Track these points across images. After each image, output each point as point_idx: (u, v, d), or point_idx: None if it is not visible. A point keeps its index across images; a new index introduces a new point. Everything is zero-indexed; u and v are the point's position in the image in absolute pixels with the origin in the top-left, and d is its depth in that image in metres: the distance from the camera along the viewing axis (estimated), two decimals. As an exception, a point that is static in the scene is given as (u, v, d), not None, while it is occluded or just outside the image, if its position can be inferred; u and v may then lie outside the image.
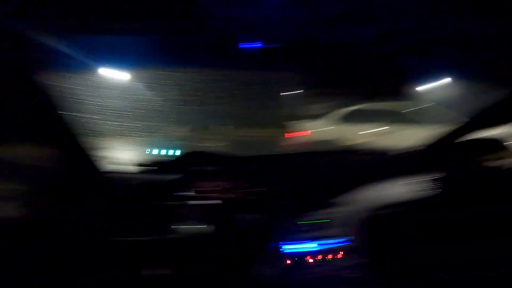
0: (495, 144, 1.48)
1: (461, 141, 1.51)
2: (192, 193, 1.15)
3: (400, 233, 1.49)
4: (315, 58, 1.02)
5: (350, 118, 6.94)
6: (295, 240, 1.22)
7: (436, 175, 1.50)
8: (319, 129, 7.03)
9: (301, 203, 1.28)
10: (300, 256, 1.22)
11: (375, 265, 1.24)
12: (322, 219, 1.26)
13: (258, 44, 0.94)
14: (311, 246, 1.22)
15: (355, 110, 7.04)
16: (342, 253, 1.24)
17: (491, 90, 1.41)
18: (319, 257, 1.22)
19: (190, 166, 1.13)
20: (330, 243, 1.24)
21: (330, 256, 1.22)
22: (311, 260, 1.21)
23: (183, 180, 1.13)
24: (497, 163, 1.52)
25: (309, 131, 7.12)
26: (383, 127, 6.45)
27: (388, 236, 1.45)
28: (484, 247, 1.34)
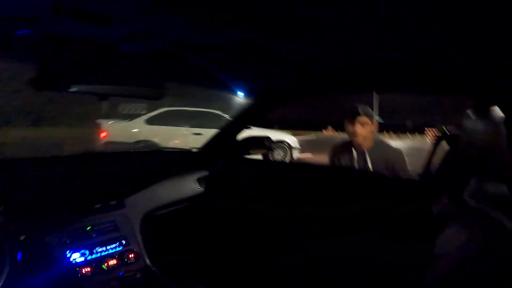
0: (262, 141, 1.79)
1: (232, 140, 1.80)
2: None
3: (182, 232, 1.60)
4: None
5: (160, 120, 7.04)
6: (65, 250, 1.06)
7: (209, 172, 1.72)
8: (126, 129, 6.65)
9: (66, 209, 1.13)
10: (70, 268, 1.06)
11: (158, 265, 1.25)
12: (89, 226, 1.15)
13: (27, 31, 0.74)
14: (78, 256, 1.09)
15: (168, 112, 7.22)
16: (120, 258, 1.18)
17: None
18: (96, 265, 1.11)
19: None
20: (105, 249, 1.15)
21: (105, 264, 1.13)
22: (84, 271, 1.07)
23: None
24: (266, 156, 1.92)
25: (109, 131, 6.57)
26: (198, 129, 7.00)
27: (170, 236, 1.51)
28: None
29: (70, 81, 0.82)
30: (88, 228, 1.14)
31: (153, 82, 1.02)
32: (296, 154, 8.07)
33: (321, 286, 1.44)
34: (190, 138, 6.94)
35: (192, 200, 1.59)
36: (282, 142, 7.79)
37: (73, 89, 0.83)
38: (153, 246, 1.29)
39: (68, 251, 1.06)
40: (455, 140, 1.12)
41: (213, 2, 0.67)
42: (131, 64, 0.98)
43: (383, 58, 1.09)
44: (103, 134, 6.48)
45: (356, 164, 1.90)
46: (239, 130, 1.79)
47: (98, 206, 1.19)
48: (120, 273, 1.15)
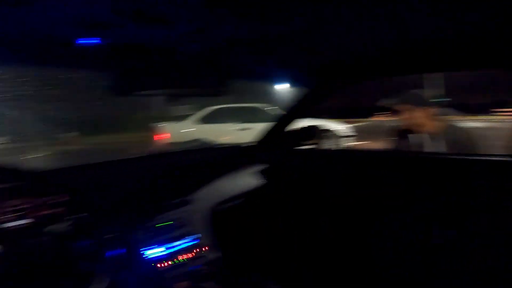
0: (314, 130, 1.78)
1: (287, 131, 1.77)
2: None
3: (244, 225, 1.64)
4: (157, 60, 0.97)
5: (209, 119, 7.34)
6: (144, 246, 1.14)
7: (264, 166, 1.72)
8: (180, 130, 7.08)
9: (145, 207, 1.21)
10: (151, 262, 1.14)
11: (227, 259, 1.29)
12: (166, 222, 1.22)
13: (96, 40, 0.80)
14: (159, 250, 1.16)
15: (215, 110, 7.49)
16: (193, 252, 1.23)
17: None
18: (170, 260, 1.17)
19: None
20: (178, 244, 1.21)
21: (181, 257, 1.19)
22: (162, 265, 1.15)
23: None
24: (320, 146, 1.89)
25: (169, 133, 7.05)
26: (242, 125, 7.18)
27: (234, 229, 1.56)
28: (334, 235, 1.55)
29: (142, 86, 0.88)
30: (163, 224, 1.20)
31: (215, 79, 1.04)
32: (347, 143, 7.74)
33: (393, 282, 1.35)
34: (238, 133, 7.11)
35: (252, 193, 1.61)
36: (330, 131, 7.53)
37: (145, 93, 0.89)
38: (219, 240, 1.33)
39: (146, 248, 1.13)
40: None
41: None
42: (194, 63, 1.01)
43: (440, 37, 0.98)
44: (160, 136, 7.01)
45: (419, 149, 1.75)
46: (292, 121, 1.76)
47: (170, 202, 1.26)
48: (195, 267, 1.20)
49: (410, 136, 1.80)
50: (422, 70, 1.50)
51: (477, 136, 1.78)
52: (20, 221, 0.90)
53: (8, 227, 0.88)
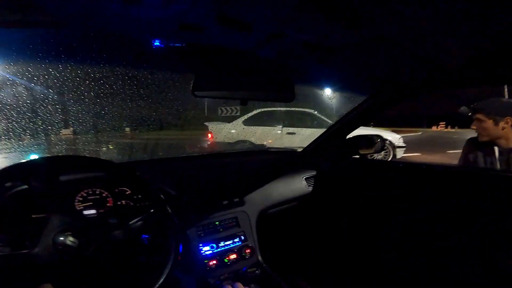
0: (371, 141, 1.70)
1: (345, 139, 1.72)
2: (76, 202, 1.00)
3: (288, 230, 1.63)
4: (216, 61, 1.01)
5: (256, 121, 7.44)
6: (198, 243, 1.19)
7: (321, 171, 1.69)
8: (227, 130, 7.30)
9: (196, 206, 1.25)
10: (203, 259, 1.18)
11: (271, 262, 1.29)
12: (215, 222, 1.26)
13: (157, 42, 0.87)
14: (208, 249, 1.21)
15: (262, 113, 7.57)
16: (239, 253, 1.26)
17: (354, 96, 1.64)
18: (217, 259, 1.21)
19: (63, 173, 0.97)
20: (225, 244, 1.25)
21: (227, 258, 1.22)
22: (212, 263, 1.19)
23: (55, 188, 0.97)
24: (375, 156, 1.79)
25: (214, 133, 7.31)
26: (287, 129, 7.16)
27: (277, 233, 1.56)
28: (371, 243, 1.50)
29: (215, 88, 0.92)
30: (216, 223, 1.25)
31: (285, 84, 1.05)
32: (400, 154, 7.22)
33: None
34: (284, 137, 7.09)
35: (301, 199, 1.59)
36: (384, 140, 7.10)
37: (219, 95, 0.93)
38: (265, 242, 1.34)
39: (201, 244, 1.18)
40: None
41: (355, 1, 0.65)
42: (266, 68, 1.03)
43: None
44: (209, 135, 7.32)
45: (497, 165, 1.56)
46: (348, 129, 1.71)
47: (225, 202, 1.30)
48: (244, 269, 1.22)
49: (485, 148, 1.62)
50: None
51: None
52: (96, 209, 0.99)
53: (86, 215, 0.97)
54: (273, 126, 7.37)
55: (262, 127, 7.33)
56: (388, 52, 1.00)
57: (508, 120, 1.55)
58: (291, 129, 7.16)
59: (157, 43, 0.91)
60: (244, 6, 0.69)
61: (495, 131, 1.56)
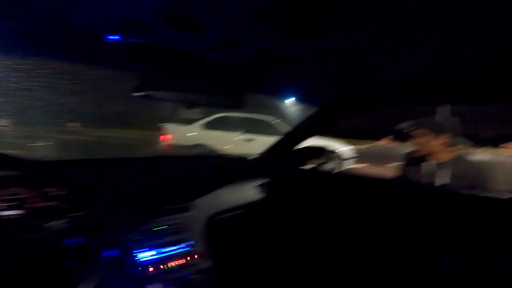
0: (320, 151, 1.78)
1: (295, 148, 1.77)
2: None
3: (239, 236, 1.62)
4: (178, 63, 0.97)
5: (215, 125, 7.38)
6: (135, 249, 1.13)
7: (270, 180, 1.72)
8: (185, 133, 7.11)
9: (143, 209, 1.19)
10: (142, 266, 1.12)
11: (219, 268, 1.28)
12: (161, 226, 1.21)
13: (117, 37, 0.81)
14: (151, 254, 1.15)
15: (222, 117, 7.54)
16: (185, 259, 1.22)
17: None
18: (161, 265, 1.16)
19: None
20: (170, 250, 1.20)
21: (172, 264, 1.18)
22: (152, 269, 1.14)
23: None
24: (323, 167, 1.88)
25: (171, 135, 7.10)
26: (246, 135, 7.20)
27: (228, 239, 1.55)
28: (322, 245, 1.55)
29: (162, 89, 0.88)
30: (158, 229, 1.19)
31: (236, 90, 1.04)
32: (349, 164, 7.69)
33: None
34: (242, 143, 7.11)
35: (252, 206, 1.60)
36: (334, 151, 7.51)
37: (165, 96, 0.89)
38: (213, 249, 1.32)
39: (138, 250, 1.12)
40: None
41: (306, 13, 0.67)
42: (218, 72, 1.01)
43: (459, 68, 0.99)
44: (165, 137, 7.05)
45: (428, 179, 1.72)
46: (300, 139, 1.76)
47: (169, 207, 1.25)
48: (187, 275, 1.18)
49: (419, 163, 1.77)
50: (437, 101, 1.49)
51: (486, 170, 1.72)
52: (15, 211, 0.89)
53: (2, 216, 0.87)
54: (233, 131, 7.36)
55: (222, 131, 7.28)
56: (340, 65, 1.06)
57: (446, 137, 1.69)
58: (250, 136, 7.21)
59: (104, 38, 0.86)
60: (192, 7, 0.67)
61: (432, 146, 1.70)
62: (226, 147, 6.97)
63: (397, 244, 1.32)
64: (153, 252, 1.16)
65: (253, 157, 1.92)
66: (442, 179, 1.66)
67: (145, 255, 1.13)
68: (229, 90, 1.06)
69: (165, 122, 7.65)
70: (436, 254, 1.21)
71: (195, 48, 0.92)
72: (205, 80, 1.01)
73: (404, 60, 0.98)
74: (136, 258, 1.11)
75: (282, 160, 1.79)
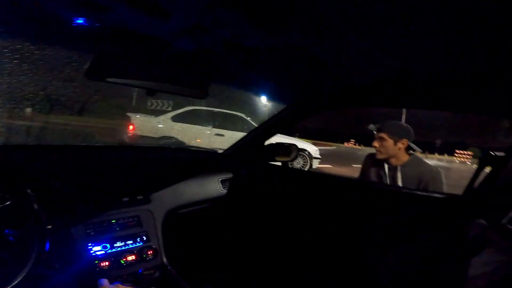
0: (288, 149, 1.78)
1: (263, 145, 1.78)
2: None
3: (202, 231, 1.60)
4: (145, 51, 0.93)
5: (185, 118, 7.21)
6: (88, 242, 1.07)
7: (237, 174, 1.71)
8: (153, 125, 6.87)
9: (87, 202, 1.12)
10: (93, 260, 1.06)
11: (173, 264, 1.24)
12: (114, 219, 1.15)
13: (81, 20, 0.75)
14: (99, 249, 1.09)
15: (193, 110, 7.38)
16: (141, 254, 1.17)
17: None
18: (115, 259, 1.11)
19: None
20: (122, 245, 1.15)
21: (127, 258, 1.13)
22: (105, 264, 1.08)
23: None
24: (291, 164, 1.89)
25: (137, 125, 6.83)
26: (220, 130, 7.13)
27: (189, 234, 1.52)
28: (288, 241, 1.57)
29: (120, 74, 0.83)
30: (112, 221, 1.14)
31: (199, 80, 1.01)
32: (316, 164, 7.95)
33: None
34: (212, 138, 7.04)
35: (214, 201, 1.58)
36: (303, 150, 7.72)
37: (123, 82, 0.84)
38: (171, 244, 1.27)
39: (90, 244, 1.06)
40: (499, 164, 1.06)
41: (275, 4, 0.67)
42: (181, 61, 0.98)
43: (418, 75, 1.05)
44: (131, 127, 6.73)
45: (386, 180, 1.84)
46: (267, 135, 1.78)
47: (125, 199, 1.19)
48: (140, 271, 1.14)
49: (379, 164, 1.87)
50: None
51: (440, 173, 1.84)
52: None
53: None
54: (203, 125, 7.25)
55: (192, 125, 7.13)
56: (306, 63, 1.07)
57: (404, 141, 1.79)
58: (220, 131, 7.16)
59: (62, 19, 0.80)
60: None
61: (392, 150, 1.79)
62: (195, 140, 6.86)
63: (388, 242, 1.36)
64: (107, 246, 1.10)
65: (220, 151, 1.91)
66: (400, 180, 1.78)
67: (98, 249, 1.07)
68: (193, 80, 1.03)
69: (132, 112, 7.32)
70: (426, 253, 1.25)
71: (160, 33, 0.88)
72: (168, 67, 0.98)
73: (370, 62, 1.01)
74: (88, 252, 1.05)
75: (250, 155, 1.79)
